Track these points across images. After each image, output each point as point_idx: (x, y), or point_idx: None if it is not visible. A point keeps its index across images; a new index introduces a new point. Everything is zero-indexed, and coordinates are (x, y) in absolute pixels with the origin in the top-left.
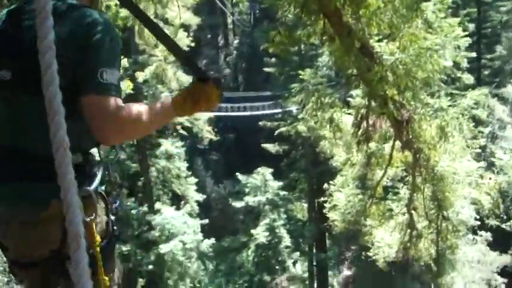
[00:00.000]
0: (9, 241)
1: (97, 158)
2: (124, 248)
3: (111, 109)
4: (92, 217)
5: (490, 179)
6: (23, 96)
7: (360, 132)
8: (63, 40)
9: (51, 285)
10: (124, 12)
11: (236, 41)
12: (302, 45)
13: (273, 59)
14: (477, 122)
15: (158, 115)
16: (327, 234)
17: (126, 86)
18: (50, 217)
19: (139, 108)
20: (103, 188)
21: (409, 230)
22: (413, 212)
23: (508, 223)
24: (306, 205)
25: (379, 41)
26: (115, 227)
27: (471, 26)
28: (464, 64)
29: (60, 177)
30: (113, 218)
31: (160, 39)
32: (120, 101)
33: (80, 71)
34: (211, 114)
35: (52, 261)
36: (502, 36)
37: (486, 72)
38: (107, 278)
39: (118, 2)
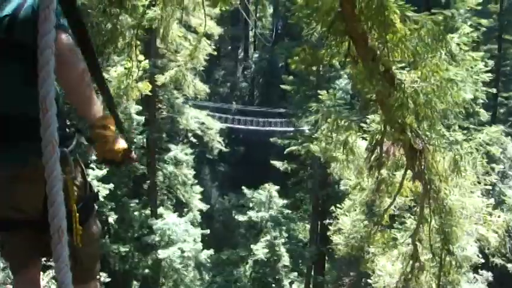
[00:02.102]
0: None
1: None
2: (122, 249)
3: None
4: (70, 175)
5: (498, 217)
6: (19, 66)
7: (373, 158)
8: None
9: (39, 245)
10: (151, 13)
11: (256, 55)
12: (320, 66)
13: (291, 77)
14: (490, 158)
15: (91, 92)
16: (326, 257)
17: (145, 87)
18: (32, 173)
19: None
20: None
21: (411, 261)
22: (418, 243)
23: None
24: (308, 226)
25: (401, 68)
26: (92, 190)
27: (490, 62)
28: (481, 100)
29: (45, 143)
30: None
31: (97, 83)
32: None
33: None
34: (224, 125)
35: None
36: None
37: (502, 110)
38: (80, 227)
39: (145, 3)
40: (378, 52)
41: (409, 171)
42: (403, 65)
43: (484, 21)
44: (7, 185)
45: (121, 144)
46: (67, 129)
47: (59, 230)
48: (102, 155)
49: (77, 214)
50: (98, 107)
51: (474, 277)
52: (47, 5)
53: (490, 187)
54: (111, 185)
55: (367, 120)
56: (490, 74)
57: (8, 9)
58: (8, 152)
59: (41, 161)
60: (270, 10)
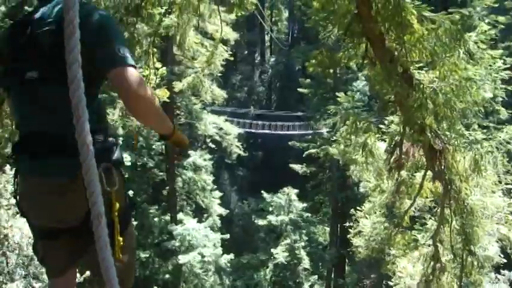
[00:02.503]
0: (37, 208)
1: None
2: (142, 255)
3: (134, 75)
4: (114, 187)
5: None
6: (49, 89)
7: (392, 159)
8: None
9: (78, 251)
10: (167, 21)
11: (272, 59)
12: (337, 69)
13: (308, 80)
14: (510, 157)
15: (163, 114)
16: (347, 260)
17: (163, 94)
18: (77, 187)
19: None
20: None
21: (432, 263)
22: (439, 244)
23: None
24: (328, 229)
25: (419, 68)
26: (130, 200)
27: (509, 60)
28: (500, 98)
29: (83, 155)
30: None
31: None
32: (137, 70)
33: (98, 50)
34: (242, 130)
35: (82, 227)
36: None
37: None
38: (121, 239)
39: (162, 11)
40: (396, 53)
41: (429, 172)
42: (421, 65)
43: (501, 19)
44: (54, 198)
45: (185, 138)
46: (109, 142)
47: (98, 216)
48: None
49: (119, 226)
50: (168, 123)
51: (496, 277)
52: (71, 21)
53: None
54: (131, 192)
55: (386, 122)
56: (509, 72)
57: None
58: (56, 167)
59: (81, 174)
60: (286, 14)
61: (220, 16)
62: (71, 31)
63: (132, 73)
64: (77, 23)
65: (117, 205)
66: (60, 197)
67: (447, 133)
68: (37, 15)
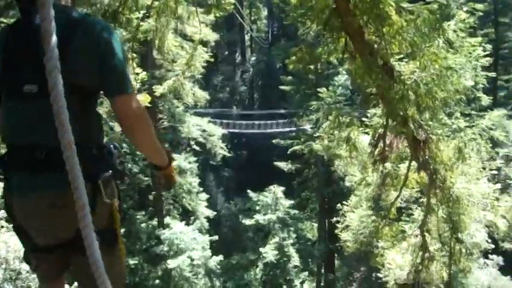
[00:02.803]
0: (37, 226)
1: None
2: (131, 262)
3: (137, 102)
4: (114, 198)
5: (506, 201)
6: (48, 103)
7: (376, 152)
8: (82, 50)
9: (69, 263)
10: (145, 25)
11: (253, 58)
12: (318, 64)
13: (289, 77)
14: (493, 143)
15: (159, 144)
16: (336, 254)
17: (145, 99)
18: (71, 201)
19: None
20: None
21: (421, 252)
22: (426, 234)
23: None
24: (316, 225)
25: (399, 59)
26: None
27: (488, 47)
28: (481, 85)
29: (69, 169)
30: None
31: None
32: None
33: (107, 74)
34: (226, 131)
35: (75, 240)
36: None
37: (502, 94)
38: (123, 246)
39: (139, 16)
40: (375, 46)
41: (413, 163)
42: (401, 56)
43: (479, 6)
44: (48, 213)
45: (177, 178)
46: (108, 153)
47: (83, 206)
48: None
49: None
50: (163, 156)
51: (484, 262)
52: (47, 29)
53: (496, 172)
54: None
55: (368, 115)
56: (489, 59)
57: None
58: (49, 180)
59: None
60: (265, 12)
61: (198, 17)
62: (48, 39)
63: (135, 100)
64: (54, 31)
65: (118, 215)
66: (60, 210)
67: (430, 123)
68: (38, 21)
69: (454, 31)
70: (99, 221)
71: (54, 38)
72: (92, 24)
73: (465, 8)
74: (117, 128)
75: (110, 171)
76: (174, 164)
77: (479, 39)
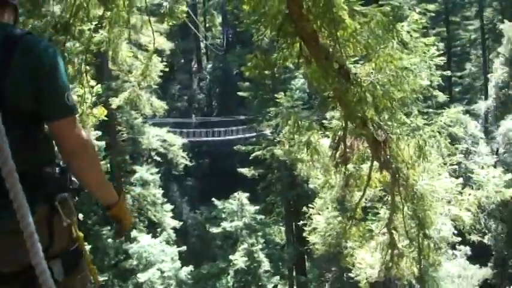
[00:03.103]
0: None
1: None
2: (101, 278)
3: (78, 129)
4: (73, 218)
5: (469, 195)
6: None
7: (337, 154)
8: (20, 71)
9: None
10: (98, 37)
11: (209, 66)
12: (275, 69)
13: (247, 83)
14: (452, 139)
15: (104, 176)
16: (306, 256)
17: (100, 112)
18: (36, 222)
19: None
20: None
21: (390, 250)
22: (393, 231)
23: (487, 236)
24: (283, 228)
25: (355, 62)
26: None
27: (441, 45)
28: (435, 83)
29: (13, 198)
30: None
31: None
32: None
33: (45, 97)
34: (186, 140)
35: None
36: (470, 53)
37: (457, 90)
38: (94, 266)
39: (91, 27)
40: (330, 50)
41: (375, 163)
42: (356, 59)
43: (431, 7)
44: (6, 239)
45: (131, 218)
46: (61, 172)
47: (31, 234)
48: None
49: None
50: (109, 191)
51: (453, 253)
52: None
53: (457, 167)
54: (81, 215)
55: (327, 118)
56: (443, 58)
57: None
58: (6, 209)
59: (40, 208)
60: (219, 19)
61: (152, 27)
62: None
63: (77, 123)
64: None
65: (81, 234)
66: (13, 237)
67: (389, 123)
68: None
69: (408, 32)
70: (60, 243)
71: None
72: (33, 43)
73: (418, 9)
74: None
75: (65, 190)
76: (137, 175)
77: (433, 38)
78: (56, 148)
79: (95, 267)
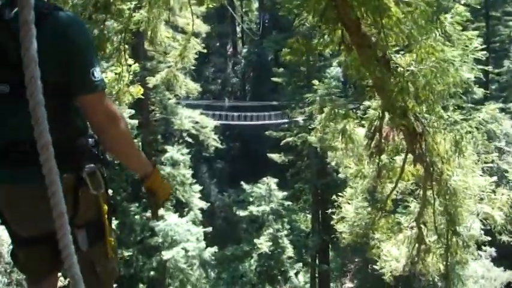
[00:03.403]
0: (17, 218)
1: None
2: (126, 253)
3: (106, 103)
4: (101, 190)
5: (502, 194)
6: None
7: (372, 144)
8: (49, 45)
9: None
10: (137, 16)
11: (245, 50)
12: (310, 56)
13: (281, 69)
14: (488, 136)
15: (136, 147)
16: (330, 245)
17: (137, 91)
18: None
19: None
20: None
21: (417, 245)
22: (422, 226)
23: None
24: (309, 216)
25: (395, 52)
26: (111, 202)
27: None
28: (473, 78)
29: (46, 173)
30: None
31: None
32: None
33: (72, 73)
34: (218, 123)
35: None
36: (510, 50)
37: (493, 87)
38: (112, 239)
39: (131, 6)
40: (373, 38)
41: (409, 155)
42: (397, 49)
43: (473, 1)
44: (30, 205)
45: (166, 189)
46: (93, 147)
47: (60, 214)
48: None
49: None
50: (143, 162)
51: (478, 253)
52: (25, 18)
53: (493, 165)
54: (110, 191)
55: (362, 107)
56: (485, 52)
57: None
58: (27, 174)
59: (66, 178)
60: (256, 4)
61: (191, 8)
62: (26, 29)
63: (106, 98)
64: (33, 20)
65: (105, 207)
66: (41, 202)
67: (426, 116)
68: (7, 16)
69: (451, 24)
70: (85, 214)
71: (33, 29)
72: (60, 18)
73: (462, 1)
74: None
75: (95, 162)
76: (167, 155)
77: (476, 32)
78: (85, 121)
79: (112, 240)
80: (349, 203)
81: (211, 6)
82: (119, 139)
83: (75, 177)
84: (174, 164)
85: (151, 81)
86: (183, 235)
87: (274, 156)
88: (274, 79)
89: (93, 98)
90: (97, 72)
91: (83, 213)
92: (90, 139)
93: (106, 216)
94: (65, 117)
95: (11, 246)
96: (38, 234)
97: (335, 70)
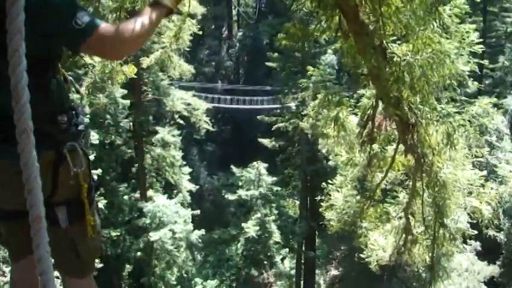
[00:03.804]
0: (5, 190)
1: (80, 118)
2: (113, 233)
3: (104, 40)
4: (81, 168)
5: (491, 188)
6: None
7: (364, 133)
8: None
9: None
10: None
11: (240, 34)
12: (306, 42)
13: (276, 54)
14: (480, 130)
15: (148, 25)
16: (317, 232)
17: (130, 70)
18: (41, 166)
19: (129, 25)
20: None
21: (404, 235)
22: (410, 216)
23: (500, 233)
24: (298, 202)
25: (392, 41)
26: (94, 180)
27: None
28: (467, 72)
29: (23, 160)
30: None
31: None
32: (105, 26)
33: (55, 33)
34: (210, 105)
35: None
36: (505, 46)
37: (487, 82)
38: (92, 218)
39: None
40: (371, 26)
41: (401, 145)
42: (394, 38)
43: None
44: (13, 180)
45: None
46: (73, 122)
47: (37, 218)
48: None
49: (88, 205)
50: (158, 16)
51: (463, 246)
52: None
53: (483, 159)
54: (99, 171)
55: (355, 95)
56: (481, 46)
57: None
58: (11, 149)
59: (45, 153)
60: None
61: None
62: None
63: (103, 31)
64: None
65: (85, 184)
66: (20, 178)
67: (420, 107)
68: None
69: (449, 16)
70: (65, 191)
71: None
72: None
73: None
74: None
75: (76, 139)
76: (158, 136)
77: (473, 26)
78: (69, 97)
79: (92, 219)
80: (338, 191)
81: None
82: (137, 41)
83: (56, 153)
84: (165, 145)
85: (145, 61)
86: (170, 217)
87: (265, 141)
88: (269, 64)
89: (89, 44)
90: (80, 18)
91: (62, 190)
92: (69, 116)
93: (86, 194)
94: (45, 93)
95: None
96: (19, 208)
97: (330, 57)
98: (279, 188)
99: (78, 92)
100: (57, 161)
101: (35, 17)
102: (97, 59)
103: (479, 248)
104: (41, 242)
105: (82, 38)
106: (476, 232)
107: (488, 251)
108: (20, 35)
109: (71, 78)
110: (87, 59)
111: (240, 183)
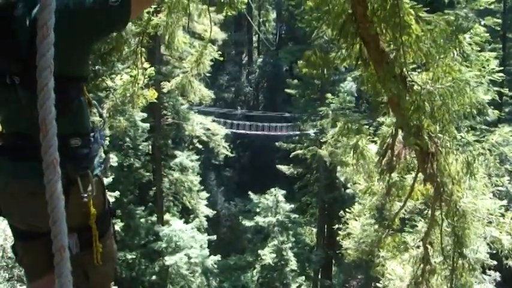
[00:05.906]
0: (16, 212)
1: (97, 143)
2: (129, 256)
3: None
4: (90, 194)
5: (511, 218)
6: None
7: (384, 161)
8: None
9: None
10: (156, 20)
11: (260, 60)
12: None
13: (295, 81)
14: (500, 159)
15: None
16: (333, 261)
17: (151, 94)
18: None
19: None
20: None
21: (422, 265)
22: (428, 246)
23: None
24: (315, 230)
25: (412, 69)
26: (110, 206)
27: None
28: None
29: (48, 191)
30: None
31: None
32: None
33: (103, 20)
34: (229, 131)
35: None
36: None
37: (507, 110)
38: (100, 244)
39: (151, 10)
40: (391, 54)
41: (420, 174)
42: (414, 66)
43: (491, 21)
44: (28, 201)
45: None
46: (88, 146)
47: (61, 248)
48: None
49: (97, 232)
50: None
51: (483, 277)
52: (45, 21)
53: (503, 188)
54: (117, 193)
55: (374, 123)
56: (502, 74)
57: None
58: (28, 169)
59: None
60: (273, 15)
61: (210, 15)
62: (45, 32)
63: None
64: (52, 24)
65: (94, 211)
66: (41, 198)
67: (440, 135)
68: (18, 12)
69: (469, 44)
70: (76, 217)
71: (52, 33)
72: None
73: (483, 22)
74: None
75: (88, 164)
76: (176, 160)
77: (493, 54)
78: (89, 120)
79: (100, 246)
80: (356, 219)
81: (230, 14)
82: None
83: (66, 178)
84: (183, 169)
85: (167, 85)
86: (187, 241)
87: (283, 168)
88: (288, 90)
89: (130, 10)
90: None
91: (72, 216)
92: (88, 139)
93: (95, 221)
94: (71, 114)
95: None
96: (35, 230)
97: (349, 84)
98: (297, 216)
99: (100, 116)
100: (67, 186)
101: (72, 25)
102: (119, 82)
103: (498, 279)
104: (63, 272)
105: (127, 9)
106: (495, 262)
107: (508, 282)
108: (49, 70)
109: (95, 102)
110: (109, 82)
111: (258, 210)
